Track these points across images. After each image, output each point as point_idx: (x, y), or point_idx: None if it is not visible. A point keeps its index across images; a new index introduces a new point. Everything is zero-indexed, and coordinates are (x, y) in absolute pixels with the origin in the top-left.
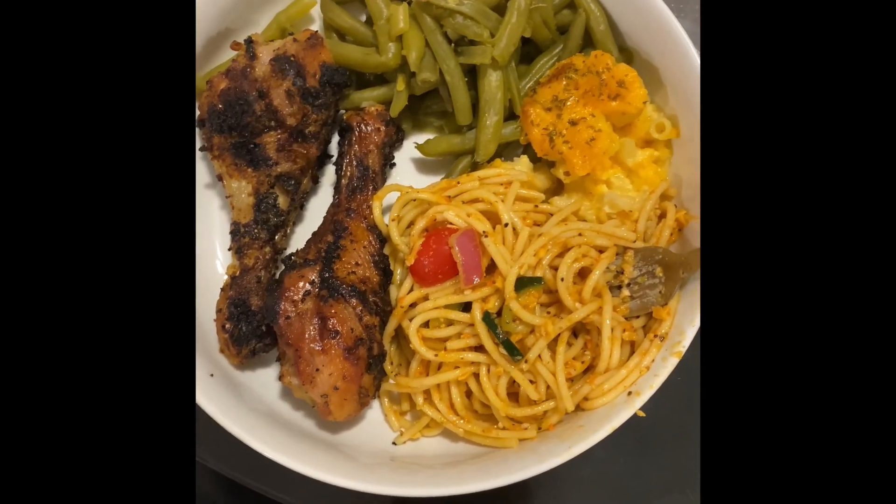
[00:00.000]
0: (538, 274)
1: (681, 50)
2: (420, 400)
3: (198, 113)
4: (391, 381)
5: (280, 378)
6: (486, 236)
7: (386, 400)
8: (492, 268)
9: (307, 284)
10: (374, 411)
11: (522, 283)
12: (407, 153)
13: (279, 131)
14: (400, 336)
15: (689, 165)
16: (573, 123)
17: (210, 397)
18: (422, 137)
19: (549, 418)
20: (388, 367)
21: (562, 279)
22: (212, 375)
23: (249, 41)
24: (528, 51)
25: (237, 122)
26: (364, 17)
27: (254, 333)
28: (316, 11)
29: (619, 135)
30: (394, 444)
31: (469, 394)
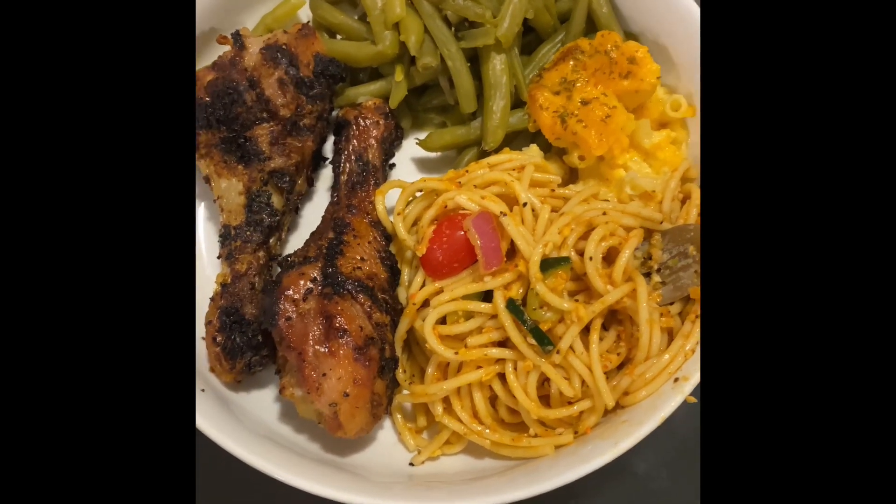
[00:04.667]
0: (564, 254)
1: (695, 24)
2: (439, 410)
3: None
4: (405, 391)
5: (281, 391)
6: (505, 215)
7: (399, 416)
8: (511, 254)
9: (308, 282)
10: (386, 432)
11: (548, 265)
12: (407, 152)
13: (272, 123)
14: (412, 342)
15: None
16: (585, 103)
17: (203, 413)
18: (422, 136)
19: (586, 420)
20: (400, 375)
21: (590, 258)
22: (202, 391)
23: (237, 34)
24: (530, 41)
25: (226, 115)
26: (356, 17)
27: (249, 345)
28: (304, 14)
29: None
30: (411, 464)
31: (494, 400)
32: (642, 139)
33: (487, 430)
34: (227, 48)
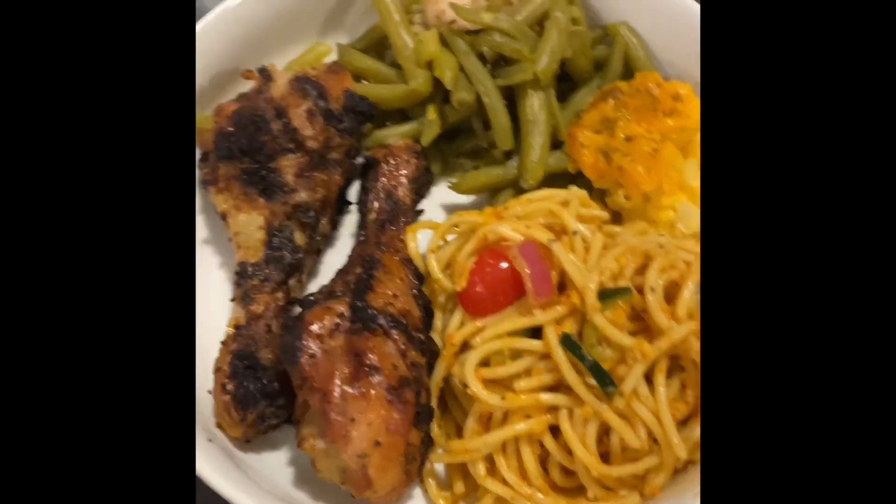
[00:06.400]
0: (622, 285)
1: None
2: (482, 471)
3: (198, 151)
4: (440, 450)
5: (299, 444)
6: (555, 242)
7: (432, 483)
8: (562, 290)
9: (335, 318)
10: (416, 502)
11: (606, 295)
12: (436, 199)
13: (299, 154)
14: (447, 395)
15: None
16: (629, 139)
17: (213, 466)
18: (453, 182)
19: (653, 480)
20: (435, 431)
21: (651, 289)
22: (210, 441)
23: (263, 68)
24: (563, 90)
25: (249, 144)
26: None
27: (263, 392)
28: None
29: None
30: None
31: (544, 461)
32: (690, 179)
33: (539, 494)
34: (253, 83)
